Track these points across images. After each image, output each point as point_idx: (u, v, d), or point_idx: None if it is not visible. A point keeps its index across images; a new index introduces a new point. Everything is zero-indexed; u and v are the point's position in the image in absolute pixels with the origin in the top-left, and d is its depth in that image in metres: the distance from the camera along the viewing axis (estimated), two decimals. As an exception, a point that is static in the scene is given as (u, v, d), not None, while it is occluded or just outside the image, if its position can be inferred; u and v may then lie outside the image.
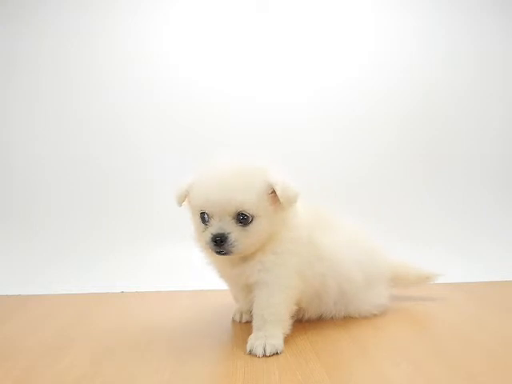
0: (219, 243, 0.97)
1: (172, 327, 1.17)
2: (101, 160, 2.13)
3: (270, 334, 1.00)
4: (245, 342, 1.03)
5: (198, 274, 1.60)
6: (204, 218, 1.01)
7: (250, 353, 0.98)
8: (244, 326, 1.18)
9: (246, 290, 1.09)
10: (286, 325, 1.04)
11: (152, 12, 2.16)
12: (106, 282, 1.65)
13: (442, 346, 1.01)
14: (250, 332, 1.05)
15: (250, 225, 0.98)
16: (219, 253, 0.99)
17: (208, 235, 0.98)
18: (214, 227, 0.98)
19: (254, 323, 1.04)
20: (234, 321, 1.23)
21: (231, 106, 2.17)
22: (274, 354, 0.97)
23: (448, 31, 2.25)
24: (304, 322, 1.16)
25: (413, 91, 2.24)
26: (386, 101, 2.22)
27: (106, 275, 1.75)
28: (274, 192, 1.00)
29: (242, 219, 0.98)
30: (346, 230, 1.20)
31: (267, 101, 2.18)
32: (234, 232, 0.97)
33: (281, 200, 0.99)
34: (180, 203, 1.07)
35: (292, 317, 1.07)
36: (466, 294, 1.47)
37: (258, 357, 0.96)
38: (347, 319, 1.18)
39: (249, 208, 0.97)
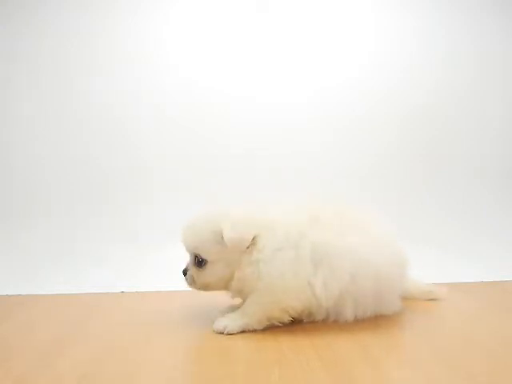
0: (184, 276, 1.15)
1: (172, 327, 1.17)
2: (101, 160, 2.14)
3: (230, 317, 1.10)
4: (244, 342, 1.03)
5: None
6: None
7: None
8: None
9: None
10: (253, 320, 1.09)
11: (152, 12, 2.16)
12: (106, 282, 1.65)
13: (442, 346, 1.01)
14: (251, 332, 1.07)
15: (204, 267, 1.11)
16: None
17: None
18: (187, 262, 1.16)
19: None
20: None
21: (231, 106, 2.17)
22: (220, 333, 1.08)
23: (448, 31, 2.25)
24: (304, 322, 1.16)
25: (413, 91, 2.24)
26: (386, 101, 2.23)
27: (106, 275, 1.74)
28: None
29: (198, 262, 1.12)
30: (376, 232, 1.18)
31: (267, 101, 2.18)
32: (191, 270, 1.14)
33: (228, 246, 1.07)
34: None
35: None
36: (465, 294, 1.47)
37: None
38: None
39: (201, 253, 1.11)
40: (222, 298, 1.26)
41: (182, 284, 1.45)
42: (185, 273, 1.15)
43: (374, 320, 1.18)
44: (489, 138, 2.28)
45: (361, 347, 1.01)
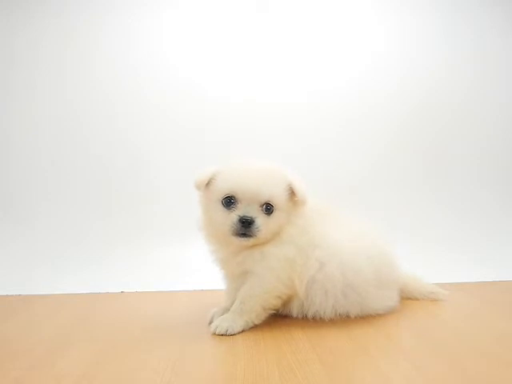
0: (246, 225, 1.06)
1: (172, 327, 1.17)
2: (101, 159, 2.14)
3: (229, 318, 1.11)
4: (244, 341, 1.03)
5: (198, 274, 1.62)
6: (229, 202, 1.09)
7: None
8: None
9: (241, 280, 1.15)
10: (253, 315, 1.12)
11: (152, 12, 2.16)
12: (106, 282, 1.65)
13: (442, 345, 1.01)
14: (251, 333, 1.08)
15: (272, 215, 1.10)
16: (243, 235, 1.07)
17: (235, 217, 1.07)
18: (242, 211, 1.08)
19: (232, 306, 1.14)
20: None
21: (231, 106, 2.17)
22: (222, 335, 1.08)
23: (448, 31, 2.25)
24: (304, 321, 1.16)
25: (413, 92, 2.24)
26: (386, 102, 2.22)
27: (106, 275, 1.75)
28: (291, 191, 1.12)
29: (267, 209, 1.09)
30: (353, 226, 1.22)
31: (267, 101, 2.18)
32: (260, 218, 1.08)
33: (298, 198, 1.12)
34: (201, 187, 1.15)
35: (279, 310, 1.17)
36: (466, 294, 1.47)
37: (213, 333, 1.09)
38: (347, 319, 1.18)
39: (275, 200, 1.09)
40: (220, 298, 1.26)
41: (181, 284, 1.45)
42: (250, 221, 1.06)
43: (373, 319, 1.18)
44: (489, 138, 2.28)
45: (360, 347, 1.01)
